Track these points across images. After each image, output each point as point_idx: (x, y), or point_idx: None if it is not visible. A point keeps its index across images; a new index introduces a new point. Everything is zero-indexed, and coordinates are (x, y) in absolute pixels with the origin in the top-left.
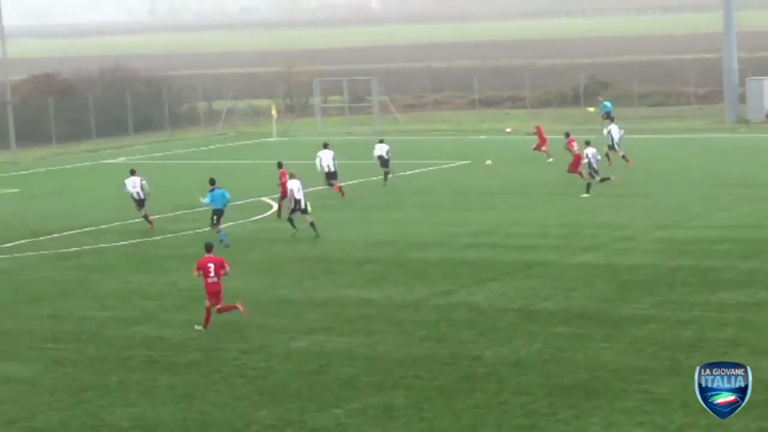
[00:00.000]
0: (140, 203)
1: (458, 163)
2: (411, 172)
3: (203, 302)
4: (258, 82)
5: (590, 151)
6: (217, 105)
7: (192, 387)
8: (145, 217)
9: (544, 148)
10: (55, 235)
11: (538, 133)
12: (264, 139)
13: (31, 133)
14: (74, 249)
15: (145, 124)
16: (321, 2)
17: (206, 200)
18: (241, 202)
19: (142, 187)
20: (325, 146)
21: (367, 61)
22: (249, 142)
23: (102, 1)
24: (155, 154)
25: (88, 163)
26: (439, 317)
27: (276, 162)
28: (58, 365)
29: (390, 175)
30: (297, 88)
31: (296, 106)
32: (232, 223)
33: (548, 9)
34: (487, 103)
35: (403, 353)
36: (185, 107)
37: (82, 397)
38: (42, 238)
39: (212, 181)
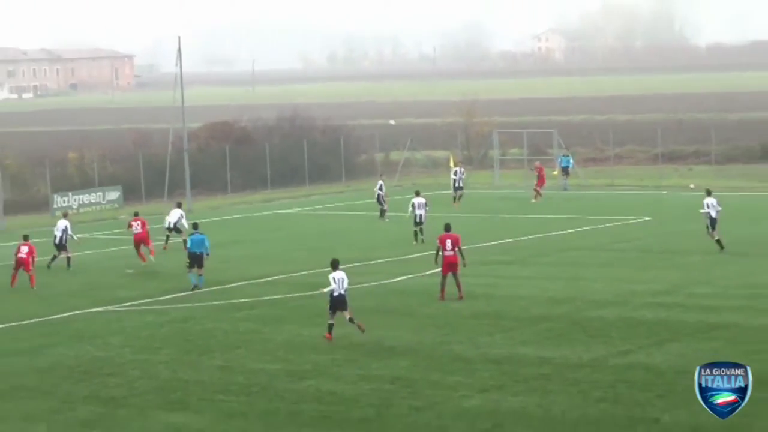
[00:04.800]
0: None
1: (639, 219)
2: (590, 227)
3: (376, 356)
4: (436, 133)
5: (710, 201)
6: (395, 155)
7: None
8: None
9: (539, 188)
10: (228, 286)
11: (539, 173)
12: (441, 192)
13: (207, 181)
14: (247, 300)
15: (321, 173)
16: (502, 52)
17: (188, 244)
18: (415, 255)
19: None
20: (417, 194)
21: (547, 112)
22: (426, 194)
23: (280, 50)
24: (330, 205)
25: (262, 213)
26: (616, 378)
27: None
28: (228, 417)
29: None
30: (475, 139)
31: (474, 158)
32: (406, 277)
33: (737, 62)
34: (671, 157)
35: (579, 414)
36: (362, 157)
37: None
38: (214, 288)
39: (195, 225)
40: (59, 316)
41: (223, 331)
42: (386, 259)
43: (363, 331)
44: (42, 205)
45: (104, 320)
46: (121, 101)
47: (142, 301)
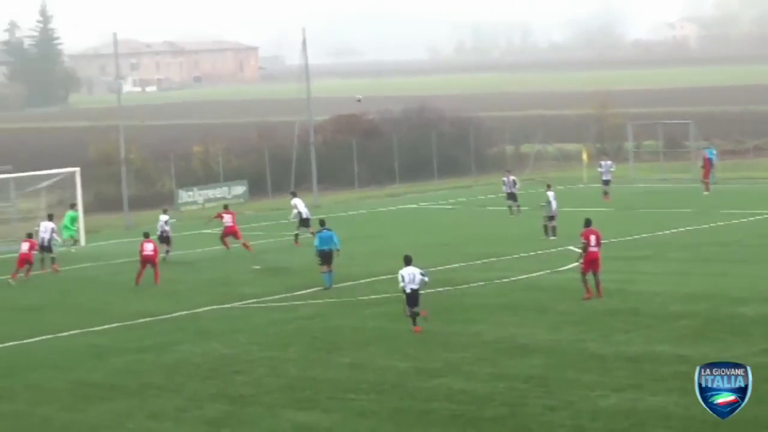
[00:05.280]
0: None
1: None
2: (727, 222)
3: (509, 354)
4: (568, 125)
5: None
6: (525, 148)
7: None
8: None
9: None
10: (355, 282)
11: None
12: (574, 185)
13: (333, 174)
14: (375, 297)
15: (450, 167)
16: (634, 41)
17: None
18: (547, 251)
19: (52, 231)
20: (549, 187)
21: (683, 103)
22: (557, 188)
23: (407, 40)
24: (459, 199)
25: (389, 208)
26: (758, 376)
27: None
28: (359, 416)
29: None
30: (609, 131)
31: (608, 151)
32: (539, 273)
33: None
34: None
35: None
36: (492, 150)
37: None
38: (342, 284)
39: (322, 222)
40: (185, 312)
41: (351, 328)
42: (518, 255)
43: (424, 319)
44: (167, 200)
45: (231, 317)
46: (246, 94)
47: (269, 297)
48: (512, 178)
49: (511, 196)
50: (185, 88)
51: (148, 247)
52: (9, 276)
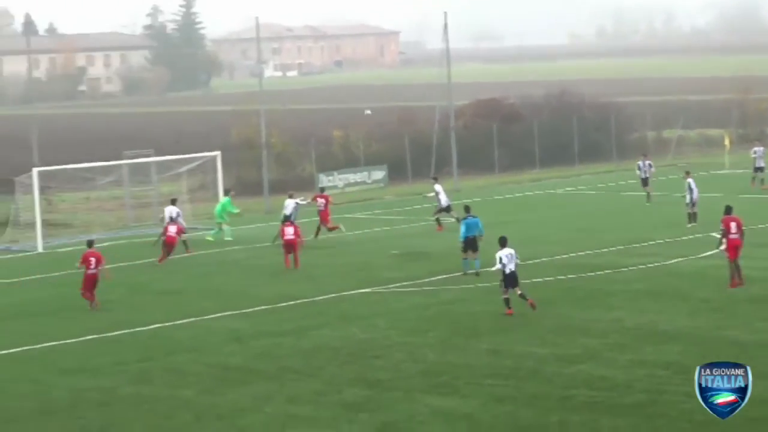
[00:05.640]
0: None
1: None
2: None
3: (649, 340)
4: (710, 110)
5: None
6: (667, 134)
7: (636, 430)
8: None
9: None
10: (494, 268)
11: None
12: (716, 171)
13: (473, 159)
14: None
15: (591, 152)
16: None
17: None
18: (688, 237)
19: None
20: (689, 174)
21: None
22: (699, 173)
23: (548, 25)
24: (600, 185)
25: (530, 193)
26: None
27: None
28: (497, 402)
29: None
30: (752, 116)
31: (751, 136)
32: (679, 259)
33: None
34: None
35: None
36: (633, 136)
37: None
38: (481, 270)
39: (467, 208)
40: (324, 297)
41: (490, 314)
42: (658, 241)
43: (534, 308)
44: (308, 185)
45: (370, 302)
46: (387, 78)
47: (408, 282)
48: (648, 162)
49: (645, 182)
50: (326, 73)
51: (289, 231)
52: (156, 259)
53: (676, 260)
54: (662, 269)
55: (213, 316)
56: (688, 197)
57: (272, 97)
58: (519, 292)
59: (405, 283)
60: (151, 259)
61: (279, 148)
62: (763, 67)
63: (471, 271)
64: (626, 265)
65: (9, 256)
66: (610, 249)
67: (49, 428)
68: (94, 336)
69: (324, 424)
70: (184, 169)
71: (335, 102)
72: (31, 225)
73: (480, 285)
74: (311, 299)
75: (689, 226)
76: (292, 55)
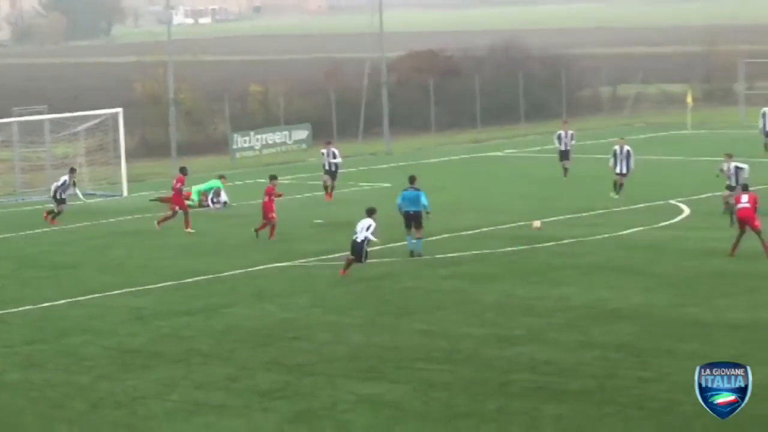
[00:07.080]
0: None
1: None
2: None
3: (599, 320)
4: (672, 64)
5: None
6: (623, 90)
7: (582, 418)
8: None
9: None
10: (430, 239)
11: None
12: (676, 132)
13: (407, 118)
14: (452, 255)
15: (538, 111)
16: None
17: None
18: (644, 204)
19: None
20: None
21: None
22: (658, 134)
23: None
24: (549, 146)
25: (470, 155)
26: None
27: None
28: (429, 388)
29: None
30: (718, 71)
31: (716, 93)
32: (635, 229)
33: None
34: None
35: None
36: (586, 92)
37: (454, 425)
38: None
39: (411, 179)
40: (238, 272)
41: (424, 291)
42: (611, 209)
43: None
44: (221, 146)
45: (290, 277)
46: (311, 27)
47: (334, 255)
48: (570, 132)
49: (565, 155)
50: (243, 20)
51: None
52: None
53: (630, 230)
54: (615, 241)
55: (112, 293)
56: (615, 164)
57: (182, 47)
58: (353, 258)
59: (329, 257)
60: (44, 229)
61: (189, 104)
62: (732, 15)
63: (411, 251)
64: (575, 236)
65: None
66: (558, 218)
67: None
68: None
69: (235, 412)
70: (81, 128)
71: (253, 53)
72: None
73: (412, 259)
74: (223, 274)
75: (614, 195)
76: (205, 0)
